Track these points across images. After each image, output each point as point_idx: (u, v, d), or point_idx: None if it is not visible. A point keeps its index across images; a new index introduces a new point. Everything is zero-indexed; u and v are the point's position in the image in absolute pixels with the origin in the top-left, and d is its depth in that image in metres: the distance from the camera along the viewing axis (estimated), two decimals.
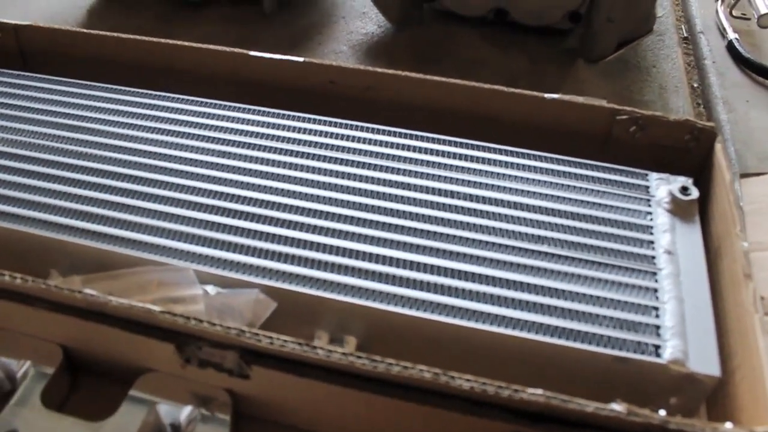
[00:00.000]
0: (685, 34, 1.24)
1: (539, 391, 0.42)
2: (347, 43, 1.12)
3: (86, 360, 0.56)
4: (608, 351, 0.50)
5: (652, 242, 0.59)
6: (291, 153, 0.66)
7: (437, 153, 0.67)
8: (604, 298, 0.54)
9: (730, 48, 1.08)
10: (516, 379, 0.45)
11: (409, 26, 1.14)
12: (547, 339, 0.50)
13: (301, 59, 0.76)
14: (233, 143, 0.67)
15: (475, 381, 0.42)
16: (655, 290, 0.55)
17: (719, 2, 1.20)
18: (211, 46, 0.79)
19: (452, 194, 0.62)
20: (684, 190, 0.63)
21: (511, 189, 0.63)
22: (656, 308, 0.53)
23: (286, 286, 0.53)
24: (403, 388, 0.45)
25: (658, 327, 0.52)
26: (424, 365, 0.43)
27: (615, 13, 0.97)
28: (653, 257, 0.58)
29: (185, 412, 0.50)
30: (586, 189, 0.64)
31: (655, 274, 0.56)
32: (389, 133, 0.69)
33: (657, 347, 0.50)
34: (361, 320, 0.53)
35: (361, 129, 0.69)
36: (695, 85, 1.03)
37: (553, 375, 0.51)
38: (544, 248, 0.58)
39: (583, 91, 0.99)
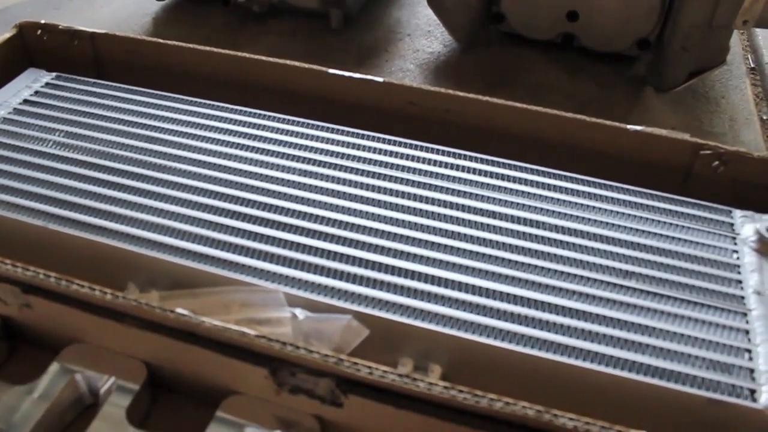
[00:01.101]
0: (752, 65, 1.22)
1: None
2: (414, 62, 1.12)
3: (168, 378, 0.56)
4: (702, 393, 0.49)
5: (740, 281, 0.58)
6: (377, 176, 0.66)
7: (521, 181, 0.66)
8: (695, 338, 0.53)
9: None
10: (604, 418, 0.44)
11: (476, 47, 1.14)
12: (640, 378, 0.50)
13: (380, 79, 0.77)
14: (318, 163, 0.68)
15: (578, 420, 0.42)
16: (747, 331, 0.54)
17: None
18: (289, 62, 0.80)
19: (538, 225, 0.62)
20: None
21: (595, 221, 0.63)
22: (749, 350, 0.53)
23: (376, 312, 0.53)
24: (503, 423, 0.44)
25: (752, 370, 0.51)
26: (526, 402, 0.43)
27: (690, 43, 0.96)
28: (742, 297, 0.57)
29: None
30: (670, 224, 0.63)
31: (745, 314, 0.55)
32: (471, 159, 0.69)
33: (752, 391, 0.50)
34: (447, 349, 0.53)
35: (443, 153, 0.69)
36: (765, 117, 1.02)
37: (644, 414, 0.50)
38: (632, 284, 0.57)
39: (652, 120, 0.99)
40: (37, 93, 0.76)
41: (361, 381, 0.46)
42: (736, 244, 0.62)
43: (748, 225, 0.64)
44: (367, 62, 1.12)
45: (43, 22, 0.86)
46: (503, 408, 0.42)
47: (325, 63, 0.79)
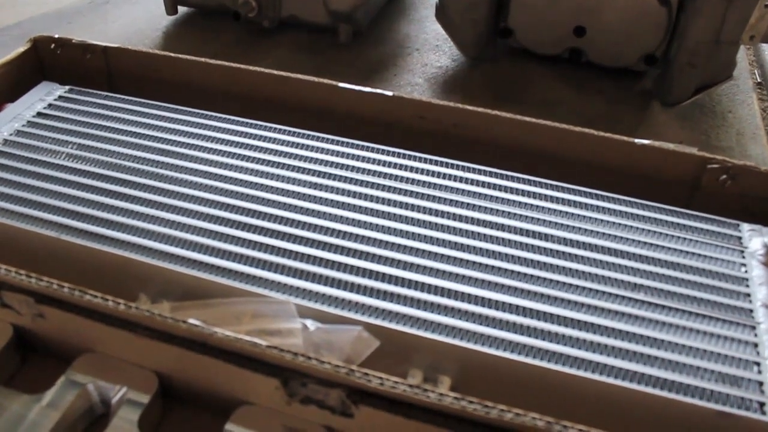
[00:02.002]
0: (759, 79, 1.23)
1: None
2: (422, 76, 1.13)
3: (180, 388, 0.56)
4: (711, 405, 0.49)
5: (748, 295, 0.59)
6: (386, 188, 0.67)
7: (529, 194, 0.67)
8: (703, 351, 0.53)
9: None
10: (613, 430, 0.44)
11: (484, 62, 1.15)
12: (648, 390, 0.50)
13: (390, 93, 0.77)
14: (325, 175, 0.68)
15: (588, 431, 0.42)
16: (755, 345, 0.54)
17: None
18: (299, 76, 0.81)
19: (546, 237, 0.62)
20: None
21: (603, 234, 0.63)
22: (758, 363, 0.53)
23: (385, 323, 0.54)
24: None
25: (761, 383, 0.51)
26: (536, 413, 0.43)
27: (697, 59, 0.97)
28: (751, 310, 0.57)
29: None
30: (677, 237, 0.64)
31: (754, 328, 0.56)
32: (479, 172, 0.69)
33: (762, 404, 0.50)
34: (456, 360, 0.53)
35: (452, 166, 0.70)
36: None
37: (653, 427, 0.50)
38: (641, 296, 0.57)
39: (659, 135, 0.99)
40: (50, 106, 0.77)
41: (371, 391, 0.46)
42: (744, 257, 0.62)
43: (756, 239, 0.64)
44: (375, 76, 1.13)
45: (56, 36, 0.87)
46: (513, 419, 0.43)
47: (334, 77, 0.79)
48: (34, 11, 1.40)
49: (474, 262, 0.59)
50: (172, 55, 0.87)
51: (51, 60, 0.88)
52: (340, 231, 0.62)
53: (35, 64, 0.88)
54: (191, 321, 0.50)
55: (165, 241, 0.61)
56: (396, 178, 0.68)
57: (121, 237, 0.61)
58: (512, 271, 0.59)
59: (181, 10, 1.35)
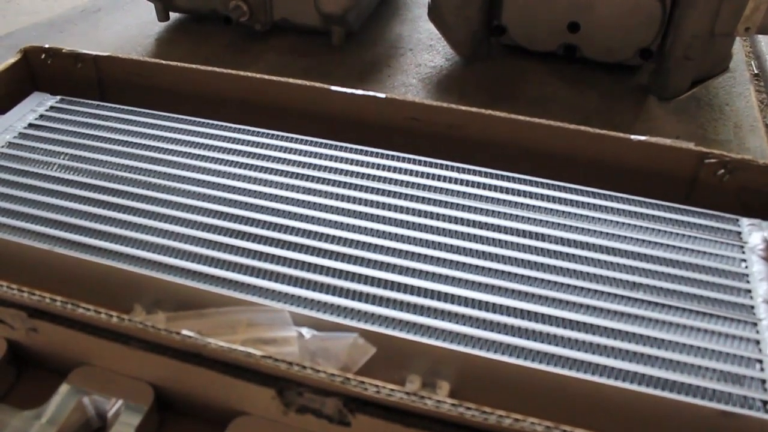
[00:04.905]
0: (756, 71, 1.22)
1: None
2: (416, 76, 1.12)
3: (176, 400, 0.56)
4: (714, 405, 0.49)
5: (749, 291, 0.58)
6: (381, 192, 0.66)
7: (527, 194, 0.66)
8: (704, 349, 0.53)
9: None
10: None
11: (478, 60, 1.14)
12: (650, 391, 0.49)
13: (383, 95, 0.77)
14: (318, 180, 0.68)
15: None
16: (757, 342, 0.54)
17: None
18: (291, 80, 0.80)
19: (544, 238, 0.62)
20: None
21: (601, 233, 0.62)
22: (760, 361, 0.52)
23: (382, 329, 0.53)
24: None
25: (763, 381, 0.50)
26: (535, 418, 0.42)
27: (693, 51, 0.96)
28: (752, 307, 0.57)
29: None
30: (676, 234, 0.63)
31: (755, 324, 0.55)
32: (474, 173, 0.68)
33: (765, 402, 0.49)
34: (455, 365, 0.53)
35: (448, 168, 0.69)
36: None
37: (656, 429, 0.50)
38: (640, 295, 0.57)
39: (656, 129, 0.98)
40: (41, 117, 0.77)
41: (368, 400, 0.46)
42: (744, 252, 0.62)
43: (755, 233, 0.63)
44: (369, 78, 1.13)
45: (47, 46, 0.87)
46: (512, 425, 0.42)
47: (327, 80, 0.79)
48: (25, 21, 1.39)
49: (471, 265, 0.59)
50: (163, 62, 0.86)
51: (42, 70, 0.88)
52: (334, 236, 0.61)
53: (26, 74, 0.88)
54: (185, 332, 0.50)
55: (159, 251, 0.60)
56: (391, 181, 0.68)
57: (116, 248, 0.61)
58: (510, 273, 0.58)
59: (173, 16, 1.34)
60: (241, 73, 0.82)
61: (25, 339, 0.56)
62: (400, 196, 0.66)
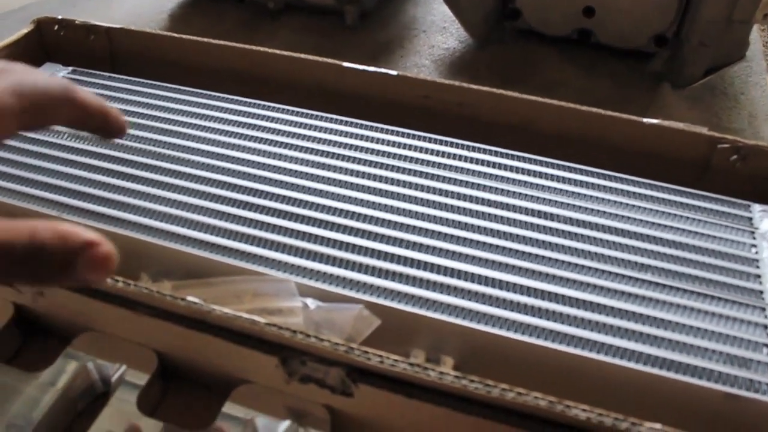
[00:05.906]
0: None
1: (657, 426, 0.41)
2: (429, 57, 1.12)
3: (179, 367, 0.56)
4: (719, 387, 0.48)
5: (759, 276, 0.58)
6: (389, 167, 0.66)
7: (536, 174, 0.66)
8: (712, 332, 0.52)
9: None
10: (619, 411, 0.43)
11: (491, 43, 1.13)
12: (655, 371, 0.49)
13: (394, 72, 0.76)
14: (330, 155, 0.67)
15: (591, 411, 0.41)
16: (765, 326, 0.53)
17: None
18: (304, 55, 0.80)
19: (553, 217, 0.61)
20: None
21: (611, 214, 0.62)
22: (767, 345, 0.52)
23: (387, 302, 0.53)
24: (514, 414, 0.44)
25: None
26: (538, 392, 0.42)
27: (708, 38, 0.95)
28: (761, 292, 0.56)
29: (282, 426, 0.50)
30: (687, 218, 0.63)
31: (764, 309, 0.55)
32: (484, 151, 0.68)
33: None
34: (459, 340, 0.53)
35: (458, 146, 0.69)
36: None
37: (660, 408, 0.49)
38: (648, 276, 0.56)
39: (670, 116, 0.97)
40: None
41: (371, 370, 0.46)
42: (755, 238, 0.61)
43: (766, 219, 0.63)
44: (382, 58, 1.12)
45: (59, 17, 0.87)
46: (515, 398, 0.42)
47: (339, 59, 0.78)
48: None
49: (479, 242, 0.58)
50: (176, 35, 0.86)
51: (54, 41, 0.88)
52: (341, 210, 0.61)
53: (39, 45, 0.88)
54: (190, 298, 0.50)
55: (167, 220, 0.61)
56: (400, 157, 0.67)
57: (123, 216, 0.61)
58: (517, 251, 0.58)
59: None
60: (254, 47, 0.82)
61: (32, 303, 0.57)
62: (408, 171, 0.65)
